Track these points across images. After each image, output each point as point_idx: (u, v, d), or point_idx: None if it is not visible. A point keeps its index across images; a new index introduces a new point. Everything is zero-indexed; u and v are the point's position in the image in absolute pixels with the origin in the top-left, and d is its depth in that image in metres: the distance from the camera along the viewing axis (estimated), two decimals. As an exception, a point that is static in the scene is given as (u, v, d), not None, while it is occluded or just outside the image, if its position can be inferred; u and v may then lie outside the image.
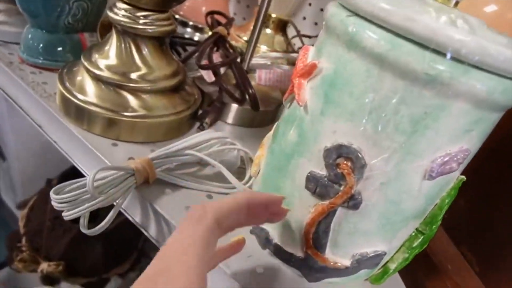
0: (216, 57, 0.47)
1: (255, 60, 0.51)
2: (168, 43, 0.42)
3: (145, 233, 0.34)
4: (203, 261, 0.18)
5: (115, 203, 0.31)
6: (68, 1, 0.45)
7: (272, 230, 0.28)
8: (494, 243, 0.32)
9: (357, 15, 0.21)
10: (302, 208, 0.25)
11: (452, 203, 0.36)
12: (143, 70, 0.39)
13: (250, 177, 0.36)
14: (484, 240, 0.33)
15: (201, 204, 0.21)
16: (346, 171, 0.22)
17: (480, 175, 0.35)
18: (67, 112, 0.39)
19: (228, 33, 0.50)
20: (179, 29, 0.67)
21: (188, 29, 0.68)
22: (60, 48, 0.48)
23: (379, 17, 0.19)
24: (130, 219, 0.35)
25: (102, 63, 0.38)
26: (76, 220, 0.31)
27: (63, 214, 0.30)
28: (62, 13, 0.45)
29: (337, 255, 0.26)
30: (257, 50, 0.53)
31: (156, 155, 0.33)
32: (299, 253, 0.26)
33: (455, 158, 0.21)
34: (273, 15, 0.61)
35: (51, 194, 0.29)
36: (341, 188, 0.22)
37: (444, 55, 0.19)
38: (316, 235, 0.25)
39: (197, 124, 0.44)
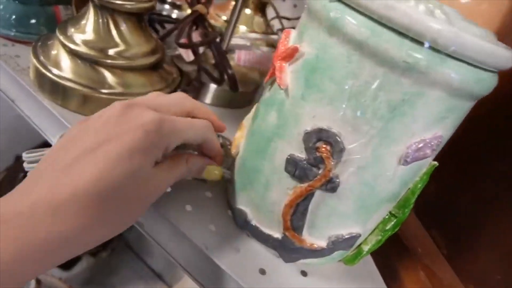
0: (195, 36, 0.46)
1: (234, 41, 0.50)
2: (146, 20, 0.41)
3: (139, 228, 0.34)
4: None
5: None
6: (42, -29, 0.43)
7: (251, 211, 0.28)
8: (461, 227, 0.34)
9: (339, 0, 0.21)
10: (281, 190, 0.25)
11: (423, 188, 0.38)
12: (121, 47, 0.38)
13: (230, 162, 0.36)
14: (452, 224, 0.35)
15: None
16: (325, 154, 0.23)
17: (450, 161, 0.36)
18: (41, 87, 0.38)
19: (208, 12, 0.50)
20: (157, 6, 0.66)
21: (166, 6, 0.67)
22: (33, 21, 0.46)
23: (361, 4, 0.20)
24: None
25: (78, 37, 0.37)
26: None
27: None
28: (35, -16, 0.44)
29: (313, 236, 0.26)
30: (236, 30, 0.53)
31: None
32: (277, 234, 0.27)
33: (429, 144, 0.22)
34: (253, -4, 0.60)
35: (23, 154, 0.29)
36: (320, 172, 0.23)
37: (422, 44, 0.19)
38: (294, 217, 0.25)
39: (175, 103, 0.43)
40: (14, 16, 0.44)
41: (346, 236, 0.26)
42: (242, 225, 0.29)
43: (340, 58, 0.21)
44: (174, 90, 0.42)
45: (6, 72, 0.39)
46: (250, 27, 0.61)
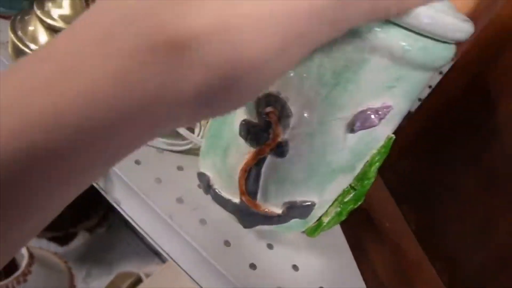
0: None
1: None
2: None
3: (104, 194, 0.35)
4: None
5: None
6: None
7: (213, 176, 0.29)
8: (431, 203, 0.34)
9: None
10: (238, 155, 0.26)
11: (396, 164, 0.38)
12: (98, 22, 0.38)
13: (201, 129, 0.37)
14: (423, 200, 0.35)
15: None
16: (273, 119, 0.23)
17: (424, 138, 0.36)
18: (20, 61, 0.38)
19: None
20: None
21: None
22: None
23: None
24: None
25: (55, 12, 0.38)
26: None
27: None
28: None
29: (268, 202, 0.27)
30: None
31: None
32: (235, 199, 0.28)
33: (377, 114, 0.22)
34: None
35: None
36: (270, 136, 0.24)
37: None
38: (248, 182, 0.26)
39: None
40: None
41: (300, 204, 0.26)
42: (205, 189, 0.30)
43: None
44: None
45: (-14, 46, 0.40)
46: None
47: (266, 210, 0.27)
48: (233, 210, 0.28)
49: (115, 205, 0.32)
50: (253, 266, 0.30)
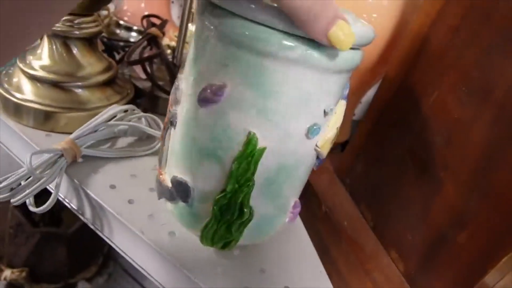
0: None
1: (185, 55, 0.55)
2: (97, 42, 0.46)
3: (82, 218, 0.38)
4: None
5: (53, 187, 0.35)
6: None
7: None
8: (384, 200, 0.38)
9: None
10: None
11: (352, 168, 0.42)
12: (74, 68, 0.43)
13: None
14: (378, 198, 0.39)
15: None
16: (173, 96, 0.27)
17: (370, 142, 0.40)
18: (6, 109, 0.42)
19: (164, 34, 0.55)
20: (124, 34, 0.71)
21: (133, 33, 0.72)
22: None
23: None
24: (68, 206, 0.39)
25: (36, 64, 0.42)
26: (38, 225, 0.33)
27: (12, 201, 0.33)
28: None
29: (166, 174, 0.29)
30: (186, 46, 0.58)
31: (76, 134, 0.37)
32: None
33: (211, 89, 0.24)
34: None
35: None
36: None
37: None
38: (161, 153, 0.29)
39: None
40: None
41: (178, 180, 0.27)
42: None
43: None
44: (129, 103, 0.47)
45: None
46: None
47: (164, 181, 0.29)
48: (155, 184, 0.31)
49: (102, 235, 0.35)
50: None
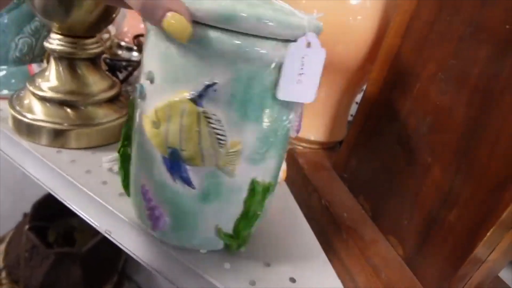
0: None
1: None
2: (100, 62, 0.49)
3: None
4: None
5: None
6: (14, 38, 0.52)
7: None
8: (381, 190, 0.39)
9: None
10: None
11: (347, 162, 0.44)
12: (80, 87, 0.46)
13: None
14: (375, 189, 0.40)
15: None
16: None
17: (363, 137, 0.42)
18: (19, 130, 0.45)
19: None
20: (126, 54, 0.75)
21: (134, 53, 0.76)
22: (13, 80, 0.54)
23: None
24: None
25: (45, 85, 0.45)
26: (52, 246, 0.35)
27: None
28: (9, 49, 0.52)
29: None
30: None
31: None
32: None
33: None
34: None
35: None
36: None
37: None
38: None
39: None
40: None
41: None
42: None
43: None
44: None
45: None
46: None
47: None
48: None
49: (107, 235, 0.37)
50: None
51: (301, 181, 0.45)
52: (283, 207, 0.43)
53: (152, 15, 0.23)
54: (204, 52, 0.24)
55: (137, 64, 0.52)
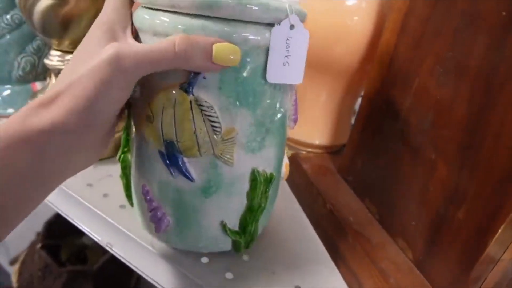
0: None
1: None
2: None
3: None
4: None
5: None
6: (16, 57, 0.53)
7: None
8: (387, 191, 0.38)
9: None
10: None
11: (351, 164, 0.43)
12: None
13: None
14: (381, 190, 0.39)
15: None
16: None
17: (365, 140, 0.41)
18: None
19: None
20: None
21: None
22: (18, 99, 0.55)
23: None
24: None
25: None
26: (65, 265, 0.35)
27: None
28: (12, 68, 0.53)
29: None
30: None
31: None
32: None
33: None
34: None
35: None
36: None
37: None
38: None
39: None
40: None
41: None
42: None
43: None
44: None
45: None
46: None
47: None
48: None
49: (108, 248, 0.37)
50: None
51: (305, 186, 0.44)
52: (288, 213, 0.42)
53: (199, 58, 0.24)
54: None
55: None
